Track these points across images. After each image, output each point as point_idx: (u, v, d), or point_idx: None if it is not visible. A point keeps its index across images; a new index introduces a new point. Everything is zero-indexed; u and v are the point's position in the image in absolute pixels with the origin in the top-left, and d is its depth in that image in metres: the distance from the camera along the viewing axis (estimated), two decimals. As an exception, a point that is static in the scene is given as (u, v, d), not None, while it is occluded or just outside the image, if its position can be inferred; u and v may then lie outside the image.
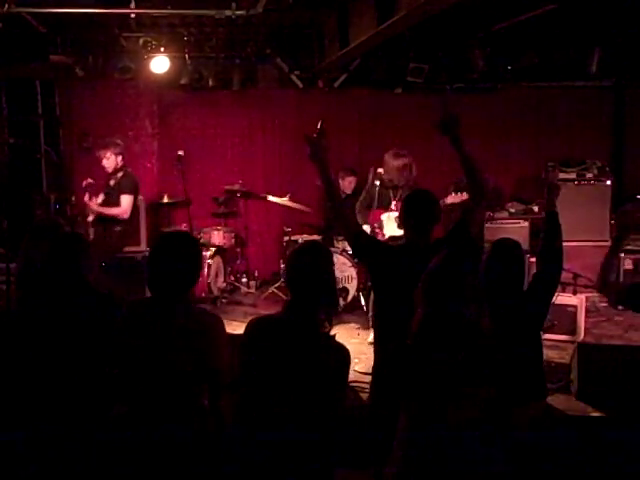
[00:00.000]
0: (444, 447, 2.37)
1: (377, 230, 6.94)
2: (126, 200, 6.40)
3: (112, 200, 6.42)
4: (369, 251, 3.46)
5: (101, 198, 6.44)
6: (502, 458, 2.44)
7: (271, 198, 7.72)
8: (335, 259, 6.84)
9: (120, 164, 6.50)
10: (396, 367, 2.55)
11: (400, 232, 3.64)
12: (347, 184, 7.99)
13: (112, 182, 6.45)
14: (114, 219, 6.40)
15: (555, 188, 3.54)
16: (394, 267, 3.32)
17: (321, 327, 2.62)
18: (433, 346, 2.46)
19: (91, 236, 6.45)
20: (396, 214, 6.77)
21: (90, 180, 6.51)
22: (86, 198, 6.45)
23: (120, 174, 6.46)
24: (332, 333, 2.65)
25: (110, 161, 6.46)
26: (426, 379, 2.43)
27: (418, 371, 2.45)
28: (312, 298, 2.61)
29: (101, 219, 6.45)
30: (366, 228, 7.05)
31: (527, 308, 3.37)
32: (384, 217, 6.90)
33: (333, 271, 2.72)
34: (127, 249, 7.26)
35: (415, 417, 2.45)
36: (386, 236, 6.87)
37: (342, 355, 2.61)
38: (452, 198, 6.53)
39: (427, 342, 2.48)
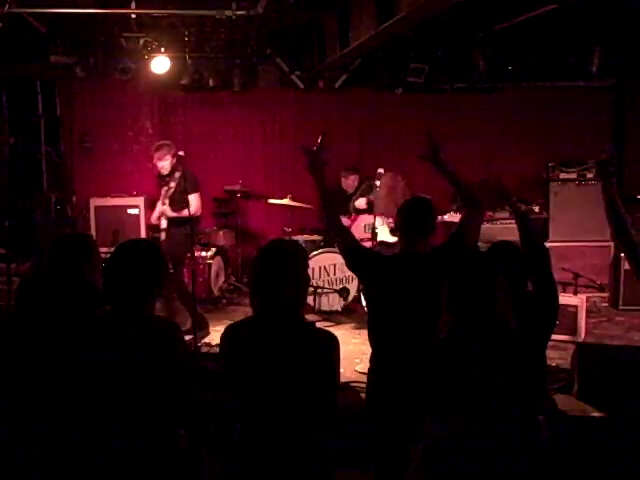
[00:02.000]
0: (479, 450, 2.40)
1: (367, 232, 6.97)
2: (195, 199, 6.33)
3: (177, 202, 6.34)
4: (363, 262, 3.45)
5: (167, 203, 6.35)
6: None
7: (272, 201, 7.71)
8: (335, 260, 7.02)
9: (175, 164, 6.38)
10: (427, 366, 2.56)
11: (393, 239, 3.63)
12: (350, 183, 7.99)
13: (172, 184, 6.34)
14: (183, 221, 6.34)
15: (503, 191, 3.54)
16: (389, 276, 3.31)
17: (301, 317, 2.60)
18: (463, 346, 2.49)
19: (163, 239, 6.34)
20: (389, 220, 6.78)
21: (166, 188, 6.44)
22: (163, 207, 6.38)
23: (178, 174, 6.32)
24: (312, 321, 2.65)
25: (167, 163, 6.35)
26: (458, 377, 2.45)
27: (450, 369, 2.47)
28: (283, 293, 2.55)
29: (173, 223, 6.37)
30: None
31: (540, 308, 3.37)
32: (378, 222, 6.87)
33: (299, 262, 2.67)
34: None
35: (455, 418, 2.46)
36: (377, 240, 6.86)
37: (329, 340, 2.57)
38: (451, 217, 6.60)
39: (456, 343, 2.50)
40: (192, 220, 6.21)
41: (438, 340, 2.60)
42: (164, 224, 6.35)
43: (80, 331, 2.75)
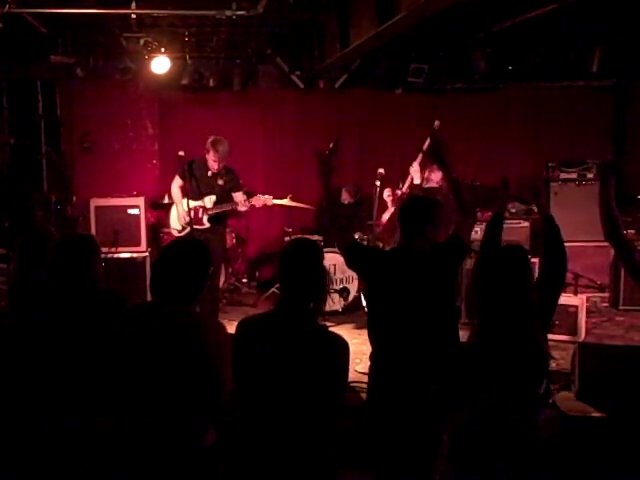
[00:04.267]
0: None
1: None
2: (242, 196, 6.41)
3: (224, 199, 6.39)
4: (362, 260, 3.51)
5: (213, 199, 6.33)
6: None
7: (273, 201, 7.67)
8: (336, 260, 7.01)
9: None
10: (455, 368, 2.56)
11: None
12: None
13: (220, 182, 6.34)
14: (225, 218, 6.51)
15: (540, 191, 3.55)
16: (388, 272, 3.34)
17: (316, 320, 2.62)
18: (492, 351, 2.48)
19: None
20: None
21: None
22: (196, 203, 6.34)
23: (223, 172, 6.36)
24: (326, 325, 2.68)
25: (223, 164, 6.30)
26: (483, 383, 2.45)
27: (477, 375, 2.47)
28: (305, 292, 2.61)
29: (217, 221, 6.40)
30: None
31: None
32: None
33: (323, 265, 2.73)
34: (125, 249, 7.30)
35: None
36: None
37: (341, 346, 2.60)
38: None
39: (486, 347, 2.50)
40: (228, 217, 6.47)
41: (466, 346, 2.60)
42: (206, 222, 6.34)
43: (107, 329, 2.76)
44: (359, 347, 5.70)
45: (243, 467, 2.55)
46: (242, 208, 6.43)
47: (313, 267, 2.65)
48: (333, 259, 7.13)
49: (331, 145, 3.68)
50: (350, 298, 7.22)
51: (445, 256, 3.31)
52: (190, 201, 6.23)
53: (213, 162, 6.24)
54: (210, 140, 6.24)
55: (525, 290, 2.55)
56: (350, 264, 3.62)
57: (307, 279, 2.61)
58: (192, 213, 6.30)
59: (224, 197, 6.37)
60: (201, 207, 6.30)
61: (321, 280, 2.66)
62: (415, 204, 3.54)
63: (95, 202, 7.67)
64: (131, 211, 7.60)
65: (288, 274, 2.66)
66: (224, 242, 6.70)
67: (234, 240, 8.14)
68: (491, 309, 2.53)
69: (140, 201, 7.63)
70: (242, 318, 2.73)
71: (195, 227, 6.22)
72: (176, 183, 6.52)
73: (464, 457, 2.46)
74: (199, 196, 6.23)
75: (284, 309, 2.63)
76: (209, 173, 6.33)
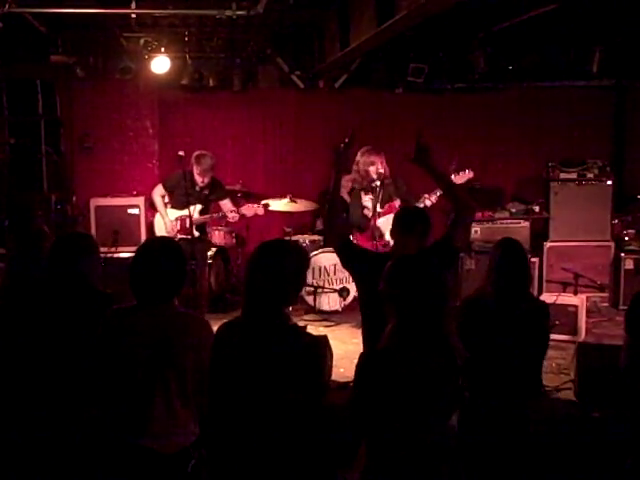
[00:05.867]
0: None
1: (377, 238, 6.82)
2: (229, 204, 6.62)
3: (207, 210, 6.58)
4: (356, 259, 3.54)
5: (198, 208, 6.45)
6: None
7: (272, 207, 7.54)
8: (336, 260, 6.94)
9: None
10: (366, 375, 2.49)
11: None
12: (344, 183, 7.94)
13: (206, 192, 6.53)
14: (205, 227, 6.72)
15: (428, 151, 3.56)
16: (379, 275, 3.36)
17: (287, 320, 2.55)
18: (405, 356, 2.42)
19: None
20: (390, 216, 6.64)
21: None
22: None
23: (210, 184, 6.53)
24: (302, 325, 2.62)
25: (207, 178, 6.46)
26: (397, 389, 2.39)
27: (389, 380, 2.40)
28: (268, 295, 2.52)
29: (202, 229, 6.61)
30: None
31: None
32: (380, 222, 6.69)
33: (294, 268, 2.61)
34: (125, 249, 7.30)
35: (388, 430, 2.41)
36: (391, 243, 6.76)
37: (315, 345, 2.54)
38: (458, 178, 6.36)
39: (398, 352, 2.44)
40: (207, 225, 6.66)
41: (378, 351, 2.53)
42: (195, 230, 6.41)
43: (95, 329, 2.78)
44: (359, 347, 5.67)
45: (224, 472, 2.53)
46: (231, 219, 6.61)
47: (275, 270, 2.53)
48: (333, 259, 7.13)
49: (346, 139, 3.67)
50: (350, 298, 7.21)
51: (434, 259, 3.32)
52: (176, 211, 6.40)
53: (198, 176, 6.40)
54: (194, 155, 6.41)
55: (442, 294, 2.47)
56: (344, 263, 3.65)
57: (267, 282, 2.51)
58: (179, 224, 6.39)
59: (209, 206, 6.52)
60: (188, 217, 6.28)
61: (285, 282, 2.55)
62: (406, 211, 3.67)
63: (95, 202, 7.68)
64: (131, 211, 7.61)
65: (249, 278, 2.57)
66: (207, 250, 6.91)
67: (234, 240, 8.13)
68: (406, 312, 2.46)
69: (140, 201, 7.63)
70: (221, 324, 2.71)
71: (183, 237, 6.29)
72: (158, 192, 6.63)
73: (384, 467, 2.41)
74: (185, 205, 6.24)
75: (250, 313, 2.55)
76: (197, 188, 6.48)
